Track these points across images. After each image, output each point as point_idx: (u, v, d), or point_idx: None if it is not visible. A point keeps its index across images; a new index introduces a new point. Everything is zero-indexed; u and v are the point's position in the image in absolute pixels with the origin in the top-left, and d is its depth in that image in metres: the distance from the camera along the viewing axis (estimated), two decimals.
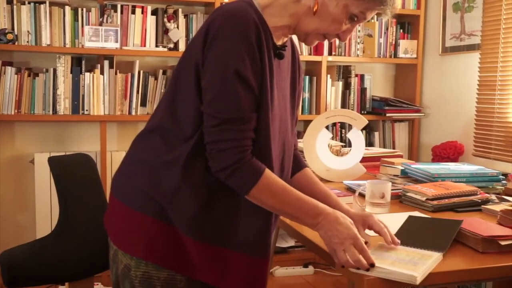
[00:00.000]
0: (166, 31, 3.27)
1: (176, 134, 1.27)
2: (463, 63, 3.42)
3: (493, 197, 1.93)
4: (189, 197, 1.24)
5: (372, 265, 1.21)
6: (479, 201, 1.86)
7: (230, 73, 1.19)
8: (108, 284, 3.10)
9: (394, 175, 2.23)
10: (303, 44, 3.50)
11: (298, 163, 1.56)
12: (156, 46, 3.26)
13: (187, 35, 3.33)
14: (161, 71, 3.29)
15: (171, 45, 3.28)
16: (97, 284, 3.08)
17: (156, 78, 3.28)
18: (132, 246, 1.27)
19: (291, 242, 3.58)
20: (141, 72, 3.24)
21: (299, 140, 2.46)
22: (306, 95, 3.59)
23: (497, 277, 1.32)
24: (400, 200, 1.93)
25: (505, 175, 2.12)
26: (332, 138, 3.50)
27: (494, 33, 3.09)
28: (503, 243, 1.36)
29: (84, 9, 3.12)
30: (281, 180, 1.27)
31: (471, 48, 3.32)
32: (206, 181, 1.25)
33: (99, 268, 1.98)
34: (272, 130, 1.29)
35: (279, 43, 1.34)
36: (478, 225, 1.46)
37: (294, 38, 1.44)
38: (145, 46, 3.23)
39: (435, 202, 1.80)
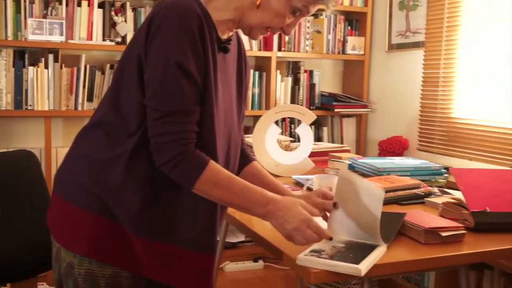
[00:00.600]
0: (113, 24, 3.20)
1: (120, 129, 1.25)
2: (408, 60, 3.51)
3: (436, 190, 1.98)
4: (133, 193, 1.23)
5: (330, 238, 1.25)
6: (422, 194, 1.90)
7: (172, 66, 1.18)
8: (54, 283, 3.02)
9: None
10: (253, 40, 3.51)
11: (246, 158, 1.57)
12: (103, 40, 3.19)
13: (135, 29, 3.27)
14: (108, 65, 3.22)
15: (119, 39, 3.22)
16: (42, 284, 3.00)
17: (103, 73, 3.21)
18: (75, 244, 1.25)
19: (241, 237, 3.59)
20: (88, 66, 3.16)
21: (248, 135, 2.47)
22: (256, 90, 3.60)
23: (439, 267, 1.36)
24: None
25: (447, 168, 2.18)
26: (281, 133, 3.53)
27: (437, 31, 3.19)
28: (444, 234, 1.40)
29: (27, 1, 3.01)
30: (226, 171, 1.26)
31: (416, 45, 3.41)
32: (150, 177, 1.24)
33: (43, 267, 1.93)
34: (217, 123, 1.28)
35: (224, 37, 1.34)
36: (421, 217, 1.49)
37: (241, 33, 1.44)
38: (91, 39, 3.16)
39: None
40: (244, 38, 3.64)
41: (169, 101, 1.19)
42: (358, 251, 1.28)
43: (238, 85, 1.44)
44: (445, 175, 2.18)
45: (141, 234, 1.24)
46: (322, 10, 3.82)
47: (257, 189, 1.27)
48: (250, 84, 3.55)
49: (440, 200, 1.79)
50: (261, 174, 1.54)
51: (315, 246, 1.28)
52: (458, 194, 1.84)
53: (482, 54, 2.90)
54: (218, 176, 1.24)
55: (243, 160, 1.54)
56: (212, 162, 1.24)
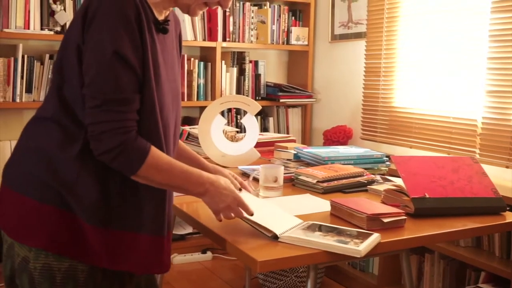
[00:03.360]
0: (52, 13, 3.10)
1: (70, 121, 1.24)
2: (351, 51, 3.57)
3: (378, 177, 2.03)
4: (88, 184, 1.22)
5: (251, 214, 1.36)
6: (365, 182, 1.94)
7: (108, 54, 1.17)
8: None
9: (288, 159, 2.29)
10: (197, 30, 3.48)
11: None
12: (42, 29, 3.08)
13: None
14: (47, 55, 3.12)
15: (58, 28, 3.11)
16: None
17: (42, 63, 3.11)
18: (30, 237, 1.23)
19: (189, 229, 3.58)
20: (26, 56, 3.05)
21: (194, 126, 2.45)
22: (201, 81, 3.57)
23: (381, 252, 1.39)
24: (292, 183, 1.98)
25: (389, 156, 2.24)
26: (227, 124, 3.53)
27: (378, 22, 3.25)
28: (385, 220, 1.44)
29: None
30: (166, 156, 1.28)
31: (358, 36, 3.47)
32: (104, 168, 1.23)
33: None
34: (164, 105, 1.30)
35: (161, 17, 1.34)
36: (364, 204, 1.53)
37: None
38: (29, 28, 3.04)
39: (325, 184, 1.86)
40: (188, 28, 3.60)
41: (106, 89, 1.18)
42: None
43: (178, 63, 1.45)
44: (387, 163, 2.23)
45: (95, 224, 1.23)
46: (266, 0, 3.80)
47: (195, 171, 1.33)
48: (195, 75, 3.53)
49: (382, 187, 1.83)
50: (187, 152, 1.65)
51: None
52: (399, 181, 1.89)
53: (420, 45, 2.99)
54: (159, 161, 1.25)
55: None
56: (153, 149, 1.24)
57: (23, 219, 1.24)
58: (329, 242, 1.28)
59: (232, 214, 1.37)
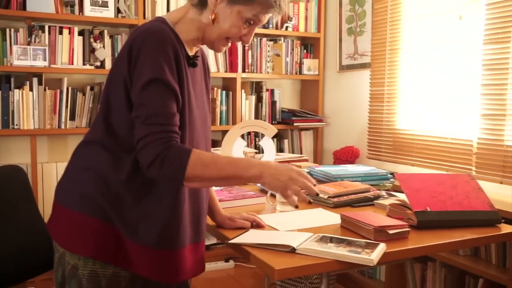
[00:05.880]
0: (92, 50, 3.17)
1: (115, 144, 1.25)
2: (357, 79, 3.57)
3: (383, 193, 2.01)
4: (129, 202, 1.24)
5: (317, 194, 1.29)
6: (372, 197, 1.92)
7: (152, 80, 1.19)
8: (41, 287, 2.94)
9: None
10: (220, 63, 3.52)
11: None
12: (83, 64, 3.15)
13: (113, 54, 3.24)
14: (88, 87, 3.18)
15: (98, 63, 3.18)
16: None
17: (84, 94, 3.17)
18: (80, 247, 1.24)
19: (213, 240, 3.57)
20: (70, 88, 3.11)
21: (217, 148, 2.46)
22: (223, 107, 3.60)
23: (388, 261, 1.38)
24: None
25: (393, 174, 2.22)
26: (247, 146, 3.54)
27: (381, 53, 3.26)
28: (391, 232, 1.43)
29: (12, 30, 2.96)
30: (207, 152, 1.23)
31: (363, 66, 3.48)
32: (145, 189, 1.25)
33: (31, 273, 1.88)
34: (196, 129, 1.31)
35: (191, 53, 1.36)
36: (371, 217, 1.51)
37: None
38: (72, 64, 3.11)
39: (335, 199, 1.85)
40: (212, 62, 3.64)
41: (150, 106, 1.19)
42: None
43: (206, 94, 1.46)
44: (391, 179, 2.21)
45: (130, 237, 1.24)
46: (281, 36, 3.83)
47: (241, 158, 1.25)
48: (218, 102, 3.56)
49: (387, 202, 1.81)
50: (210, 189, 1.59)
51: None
52: (402, 196, 1.87)
53: (420, 73, 2.98)
54: (203, 157, 1.19)
55: None
56: (193, 149, 1.20)
57: (74, 231, 1.25)
58: (343, 252, 1.27)
59: (299, 189, 1.23)
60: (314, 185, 1.27)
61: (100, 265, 1.24)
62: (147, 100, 1.19)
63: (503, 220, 1.65)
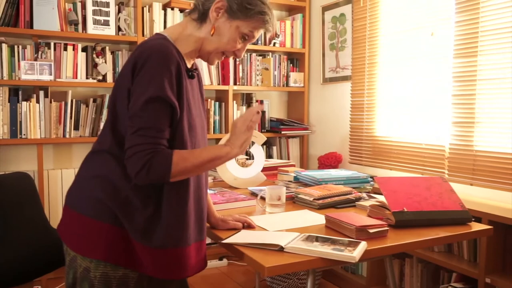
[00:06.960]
0: (95, 65, 3.15)
1: (123, 153, 1.23)
2: (339, 91, 3.59)
3: (364, 195, 2.02)
4: (137, 207, 1.22)
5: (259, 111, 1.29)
6: (354, 199, 1.92)
7: (151, 99, 1.18)
8: (47, 286, 2.91)
9: (289, 181, 2.28)
10: (213, 76, 3.52)
11: None
12: (87, 78, 3.13)
13: (114, 69, 3.23)
14: (91, 99, 3.16)
15: (100, 77, 3.16)
16: (38, 287, 2.88)
17: (87, 106, 3.15)
18: (92, 250, 1.22)
19: (208, 240, 3.55)
20: (74, 100, 3.09)
21: None
22: (217, 117, 3.60)
23: (369, 257, 1.38)
24: (293, 201, 1.97)
25: (372, 177, 2.23)
26: None
27: (361, 67, 3.28)
28: (371, 231, 1.43)
29: (20, 46, 2.94)
30: (182, 150, 1.24)
31: (344, 78, 3.49)
32: (154, 192, 1.24)
33: (38, 273, 1.86)
34: (197, 134, 1.31)
35: (189, 66, 1.37)
36: (353, 218, 1.51)
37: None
38: (76, 78, 3.10)
39: (320, 201, 1.84)
40: (206, 75, 3.63)
41: (144, 119, 1.18)
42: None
43: (202, 103, 1.45)
44: (371, 183, 2.22)
45: (141, 242, 1.23)
46: (269, 51, 3.84)
47: (209, 146, 1.28)
48: (212, 113, 3.56)
49: (367, 203, 1.82)
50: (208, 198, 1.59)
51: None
52: (381, 198, 1.88)
53: (396, 85, 3.00)
54: (181, 153, 1.21)
55: None
56: (174, 150, 1.21)
57: (85, 235, 1.23)
58: (328, 250, 1.27)
59: (254, 125, 1.30)
60: (258, 112, 1.30)
61: (111, 267, 1.22)
62: (143, 114, 1.18)
63: (473, 219, 1.66)
